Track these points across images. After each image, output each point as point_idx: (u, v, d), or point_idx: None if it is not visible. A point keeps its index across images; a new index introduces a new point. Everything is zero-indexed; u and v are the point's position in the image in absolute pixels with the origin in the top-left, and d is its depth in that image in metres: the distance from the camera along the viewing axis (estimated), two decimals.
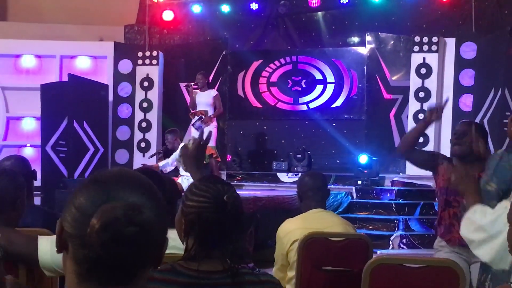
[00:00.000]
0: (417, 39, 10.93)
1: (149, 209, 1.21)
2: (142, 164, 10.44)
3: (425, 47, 10.89)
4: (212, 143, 9.77)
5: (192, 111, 10.13)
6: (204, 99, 9.96)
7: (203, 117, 9.78)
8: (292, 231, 3.85)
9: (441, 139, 10.80)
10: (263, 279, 2.15)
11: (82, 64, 12.36)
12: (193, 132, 9.96)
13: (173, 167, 9.77)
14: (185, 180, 9.40)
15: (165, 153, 9.93)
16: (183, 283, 2.08)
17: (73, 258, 1.22)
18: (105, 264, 1.19)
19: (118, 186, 1.24)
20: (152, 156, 10.63)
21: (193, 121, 10.04)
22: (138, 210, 1.19)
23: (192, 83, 10.04)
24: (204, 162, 8.37)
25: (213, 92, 10.09)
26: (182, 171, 9.60)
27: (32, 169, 3.87)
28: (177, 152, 9.56)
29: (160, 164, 9.54)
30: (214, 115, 9.93)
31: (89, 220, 1.17)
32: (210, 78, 11.57)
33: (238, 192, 2.32)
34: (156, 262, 1.27)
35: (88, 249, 1.18)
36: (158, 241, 1.24)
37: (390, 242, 9.12)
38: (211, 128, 9.85)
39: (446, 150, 10.68)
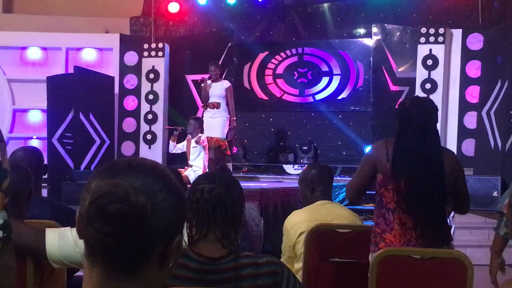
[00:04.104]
0: (423, 30, 10.87)
1: (150, 195, 1.21)
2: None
3: (432, 39, 10.83)
4: (223, 135, 9.56)
5: (203, 104, 9.81)
6: (217, 91, 9.55)
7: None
8: (299, 223, 3.85)
9: (447, 132, 10.77)
10: (262, 261, 2.25)
11: (88, 56, 12.35)
12: (206, 124, 9.81)
13: (178, 151, 9.85)
14: (191, 172, 9.39)
15: (181, 134, 9.92)
16: (192, 267, 2.21)
17: (84, 241, 1.24)
18: (104, 245, 1.20)
19: (128, 170, 1.25)
20: (169, 129, 10.61)
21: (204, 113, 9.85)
22: (130, 190, 1.19)
23: (206, 77, 9.76)
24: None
25: (225, 84, 9.67)
26: (191, 161, 9.57)
27: (44, 163, 3.88)
28: (195, 140, 9.54)
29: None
30: (231, 114, 9.58)
31: None
32: None
33: (244, 184, 2.43)
34: (164, 257, 1.25)
35: (89, 227, 1.20)
36: (161, 232, 1.23)
37: None
38: (222, 119, 9.55)
39: (452, 143, 10.69)
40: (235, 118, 9.67)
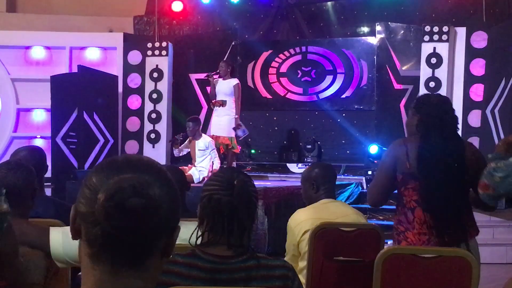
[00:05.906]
0: (427, 28, 10.85)
1: (158, 188, 1.23)
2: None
3: (436, 37, 10.80)
4: (229, 133, 9.53)
5: (212, 101, 9.77)
6: (223, 88, 9.53)
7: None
8: (303, 221, 3.84)
9: None
10: (276, 263, 2.27)
11: (92, 55, 12.35)
12: (213, 123, 9.74)
13: (183, 153, 9.76)
14: (196, 171, 9.35)
15: (183, 139, 9.83)
16: (203, 267, 2.21)
17: (86, 240, 1.24)
18: (113, 241, 1.20)
19: (129, 166, 1.26)
20: (171, 141, 10.54)
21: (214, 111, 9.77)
22: (144, 183, 1.21)
23: (213, 73, 9.72)
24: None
25: (233, 81, 9.61)
26: (197, 163, 9.51)
27: (45, 162, 3.88)
28: (203, 143, 9.41)
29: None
30: (236, 110, 9.52)
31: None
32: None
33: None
34: (166, 249, 1.27)
35: (97, 225, 1.20)
36: (167, 224, 1.25)
37: None
38: (229, 118, 9.51)
39: None
40: (237, 116, 9.62)
